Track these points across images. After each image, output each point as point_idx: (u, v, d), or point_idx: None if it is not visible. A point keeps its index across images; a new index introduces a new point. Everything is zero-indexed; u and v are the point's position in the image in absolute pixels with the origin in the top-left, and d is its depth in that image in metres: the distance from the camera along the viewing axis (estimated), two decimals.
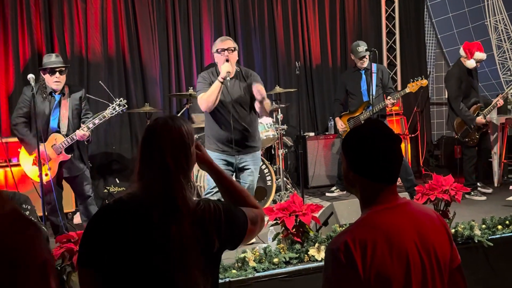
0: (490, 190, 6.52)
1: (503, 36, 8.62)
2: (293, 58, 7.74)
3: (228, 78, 4.48)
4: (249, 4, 7.57)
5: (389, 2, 8.31)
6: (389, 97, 6.27)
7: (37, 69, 6.44)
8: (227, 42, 4.58)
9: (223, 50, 4.53)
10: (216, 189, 4.48)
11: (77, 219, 6.07)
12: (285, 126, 6.68)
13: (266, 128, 6.16)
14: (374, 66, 6.44)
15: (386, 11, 8.29)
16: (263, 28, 7.66)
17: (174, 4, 7.19)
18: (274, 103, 6.72)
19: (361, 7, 8.16)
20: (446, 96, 8.48)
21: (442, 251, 1.89)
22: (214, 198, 4.55)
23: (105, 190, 6.66)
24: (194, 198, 1.93)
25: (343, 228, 3.91)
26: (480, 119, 6.39)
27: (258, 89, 4.39)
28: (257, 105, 4.55)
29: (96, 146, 6.81)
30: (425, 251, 1.83)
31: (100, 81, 6.12)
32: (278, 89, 6.65)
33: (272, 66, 7.74)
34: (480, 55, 6.41)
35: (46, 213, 4.86)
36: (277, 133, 6.38)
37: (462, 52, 6.46)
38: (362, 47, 6.41)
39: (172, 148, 1.89)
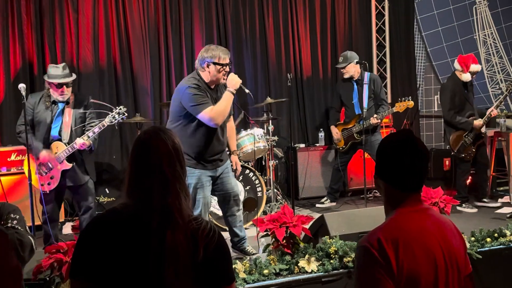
0: (475, 210, 6.50)
1: (492, 50, 8.72)
2: (284, 69, 7.77)
3: (243, 86, 4.47)
4: (241, 15, 7.61)
5: (379, 15, 8.38)
6: (375, 115, 6.32)
7: (28, 78, 6.47)
8: (228, 58, 4.39)
9: (226, 65, 4.36)
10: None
11: (66, 229, 6.04)
12: (275, 137, 6.69)
13: (257, 139, 6.17)
14: (367, 76, 6.49)
15: (377, 24, 8.36)
16: (255, 39, 7.69)
17: (166, 14, 7.21)
18: (265, 114, 6.74)
19: (352, 19, 8.22)
20: (437, 109, 8.56)
21: (460, 257, 1.98)
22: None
23: (95, 200, 6.62)
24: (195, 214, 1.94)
25: (334, 240, 3.93)
26: (478, 121, 6.37)
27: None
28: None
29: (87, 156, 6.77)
30: (448, 256, 1.93)
31: (91, 97, 6.09)
32: (269, 100, 6.66)
33: (263, 77, 7.76)
34: (476, 67, 6.44)
35: (42, 222, 4.87)
36: (268, 144, 6.38)
37: (457, 65, 6.47)
38: (340, 58, 6.57)
39: (169, 157, 1.91)
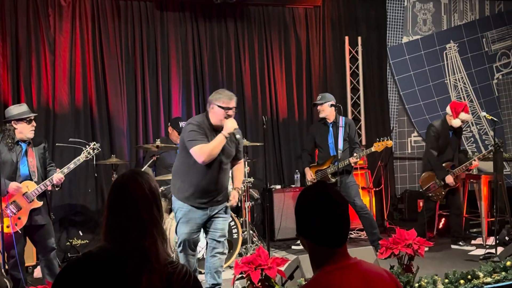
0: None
1: (463, 94, 8.96)
2: (260, 112, 7.86)
3: (237, 132, 4.51)
4: (217, 58, 7.72)
5: (353, 59, 8.55)
6: (354, 154, 6.38)
7: (3, 119, 6.42)
8: (234, 101, 4.50)
9: (229, 108, 4.44)
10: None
11: (37, 272, 5.91)
12: (251, 179, 6.71)
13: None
14: (342, 119, 6.57)
15: (351, 68, 8.53)
16: (231, 82, 7.78)
17: (143, 57, 7.29)
18: None
19: (327, 63, 8.38)
20: (411, 151, 8.69)
21: None
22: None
23: (68, 243, 6.53)
24: (172, 256, 1.93)
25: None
26: (449, 177, 6.51)
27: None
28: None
29: (60, 198, 6.72)
30: None
31: (70, 139, 6.15)
32: (245, 143, 6.70)
33: (240, 119, 7.80)
34: (465, 116, 6.60)
35: (7, 267, 4.75)
36: (244, 186, 6.40)
37: (448, 110, 6.65)
38: (319, 96, 6.68)
39: (146, 201, 1.92)
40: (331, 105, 6.51)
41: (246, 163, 6.66)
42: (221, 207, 4.62)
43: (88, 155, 5.04)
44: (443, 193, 6.58)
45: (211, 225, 4.61)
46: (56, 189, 5.11)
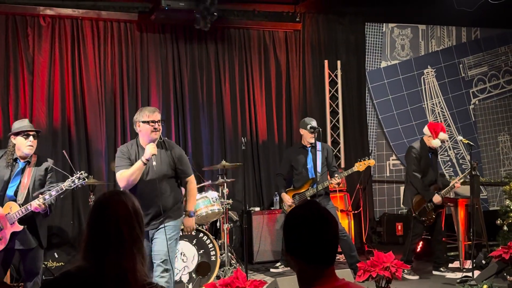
0: (416, 277, 6.55)
1: (440, 119, 9.11)
2: (240, 133, 7.89)
3: (153, 158, 4.43)
4: (198, 80, 7.76)
5: (333, 82, 8.65)
6: (336, 175, 6.41)
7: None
8: (157, 114, 4.50)
9: (154, 122, 4.45)
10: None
11: None
12: (230, 201, 6.68)
13: (212, 202, 6.18)
14: (319, 144, 6.59)
15: (330, 91, 8.62)
16: (211, 103, 7.83)
17: (123, 78, 7.31)
18: (220, 177, 6.79)
19: (306, 86, 8.46)
20: (389, 175, 8.78)
21: None
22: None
23: (43, 265, 6.43)
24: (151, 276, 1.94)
25: None
26: (437, 197, 6.53)
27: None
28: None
29: None
30: None
31: (53, 162, 5.99)
32: (224, 164, 6.72)
33: (219, 141, 7.86)
34: (444, 135, 6.64)
35: None
36: (223, 208, 6.40)
37: (426, 131, 6.68)
38: (314, 122, 6.58)
39: (128, 219, 1.94)
40: (310, 128, 6.50)
41: (225, 184, 6.66)
42: (159, 228, 4.48)
43: (72, 184, 4.77)
44: (434, 216, 6.60)
45: (151, 248, 4.49)
46: (43, 216, 4.83)
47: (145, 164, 4.36)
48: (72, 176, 4.76)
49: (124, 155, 4.51)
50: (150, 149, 4.35)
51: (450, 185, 6.72)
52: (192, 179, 4.76)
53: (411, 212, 6.63)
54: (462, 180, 6.83)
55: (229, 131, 7.92)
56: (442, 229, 6.92)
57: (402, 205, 8.06)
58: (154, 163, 4.43)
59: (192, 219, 4.74)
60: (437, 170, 6.90)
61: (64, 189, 4.72)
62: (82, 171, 4.84)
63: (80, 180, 4.73)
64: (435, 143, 6.63)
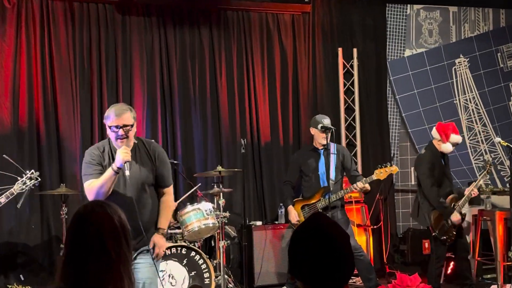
0: None
1: (474, 117, 9.08)
2: (239, 134, 7.88)
3: (126, 167, 4.18)
4: (189, 71, 7.75)
5: (348, 74, 8.63)
6: (364, 179, 6.30)
7: None
8: (124, 117, 4.21)
9: (118, 127, 4.19)
10: None
11: None
12: (227, 214, 6.64)
13: (205, 215, 6.15)
14: (333, 146, 6.56)
15: (345, 84, 8.60)
16: (205, 99, 7.82)
17: (101, 69, 7.30)
18: (215, 185, 6.77)
19: (317, 79, 8.43)
20: (414, 183, 8.75)
21: None
22: None
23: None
24: None
25: None
26: (455, 217, 6.48)
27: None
28: None
29: None
30: None
31: (4, 155, 5.95)
32: (220, 170, 6.71)
33: (214, 142, 7.84)
34: (456, 137, 6.59)
35: None
36: (218, 222, 6.37)
37: (435, 134, 6.64)
38: (328, 119, 6.51)
39: (114, 235, 1.94)
40: (321, 128, 6.46)
41: (221, 194, 6.65)
42: (140, 250, 4.34)
43: (24, 186, 4.74)
44: (454, 232, 6.57)
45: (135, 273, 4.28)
46: None
47: (116, 172, 4.16)
48: (22, 177, 4.72)
49: (93, 160, 4.30)
50: (122, 155, 4.12)
51: (466, 194, 6.66)
52: (170, 191, 4.61)
53: (432, 231, 6.58)
54: (481, 183, 6.76)
55: (225, 132, 7.91)
56: (467, 243, 6.88)
57: (414, 221, 8.02)
58: (127, 172, 4.18)
59: (164, 238, 4.54)
60: (451, 179, 6.87)
61: (15, 193, 4.69)
62: (32, 170, 4.79)
63: (32, 181, 4.70)
64: (445, 148, 6.60)
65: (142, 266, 4.31)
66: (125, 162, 4.13)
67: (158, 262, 4.49)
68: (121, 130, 4.18)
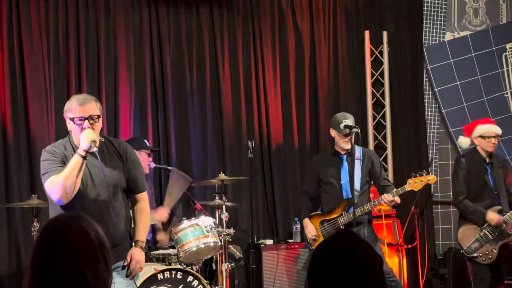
0: None
1: None
2: (245, 135, 7.89)
3: (95, 149, 4.17)
4: (185, 59, 7.76)
5: (377, 63, 8.67)
6: (394, 190, 6.26)
7: None
8: (89, 107, 4.30)
9: (82, 119, 4.26)
10: None
11: None
12: (231, 230, 6.64)
13: (205, 232, 6.12)
14: (358, 150, 6.55)
15: (373, 75, 8.61)
16: (204, 92, 7.82)
17: (80, 56, 7.30)
18: (217, 197, 6.74)
19: (339, 68, 8.46)
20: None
21: None
22: None
23: None
24: None
25: None
26: (492, 214, 6.44)
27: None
28: None
29: None
30: None
31: None
32: (223, 178, 6.66)
33: (216, 145, 7.84)
34: (483, 128, 6.59)
35: None
36: (221, 240, 6.36)
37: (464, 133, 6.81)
38: (350, 120, 6.46)
39: (91, 253, 1.94)
40: (344, 127, 6.41)
41: (224, 207, 6.59)
42: (116, 267, 4.34)
43: None
44: (494, 250, 6.50)
45: None
46: None
47: (84, 158, 4.15)
48: None
49: (56, 157, 4.31)
50: (88, 135, 4.16)
51: None
52: (145, 197, 4.67)
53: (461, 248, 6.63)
54: None
55: (229, 132, 7.91)
56: None
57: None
58: (98, 159, 4.16)
59: (143, 252, 4.60)
60: (499, 190, 6.72)
61: None
62: None
63: None
64: (463, 142, 6.79)
65: (117, 286, 4.29)
66: (92, 142, 4.15)
67: (136, 279, 4.53)
68: (86, 121, 4.23)
